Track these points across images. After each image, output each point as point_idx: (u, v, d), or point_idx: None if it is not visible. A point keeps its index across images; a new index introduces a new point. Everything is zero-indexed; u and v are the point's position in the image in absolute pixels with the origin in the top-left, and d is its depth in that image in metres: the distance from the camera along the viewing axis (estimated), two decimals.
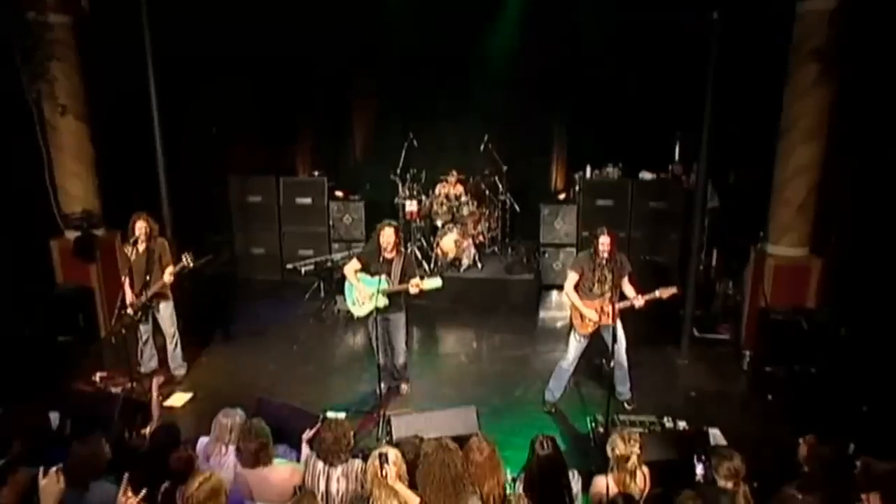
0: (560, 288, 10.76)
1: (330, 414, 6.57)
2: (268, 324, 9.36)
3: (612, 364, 6.39)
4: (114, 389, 7.18)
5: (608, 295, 6.56)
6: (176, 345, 7.54)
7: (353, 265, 6.91)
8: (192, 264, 7.13)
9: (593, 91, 11.38)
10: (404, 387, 7.31)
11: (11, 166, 8.24)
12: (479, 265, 10.61)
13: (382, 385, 6.81)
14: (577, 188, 11.39)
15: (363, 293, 6.76)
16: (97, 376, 7.58)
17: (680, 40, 10.26)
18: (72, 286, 8.64)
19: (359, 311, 6.90)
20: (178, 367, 7.64)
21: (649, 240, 10.60)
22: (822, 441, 4.78)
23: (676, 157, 11.90)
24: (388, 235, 6.64)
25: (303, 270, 9.50)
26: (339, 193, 11.49)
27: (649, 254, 10.62)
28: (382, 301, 6.67)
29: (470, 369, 7.95)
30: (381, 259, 6.65)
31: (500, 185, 11.22)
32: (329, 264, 10.01)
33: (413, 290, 6.54)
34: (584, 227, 10.75)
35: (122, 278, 7.27)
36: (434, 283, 6.56)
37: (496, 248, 11.27)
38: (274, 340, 8.79)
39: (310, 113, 12.34)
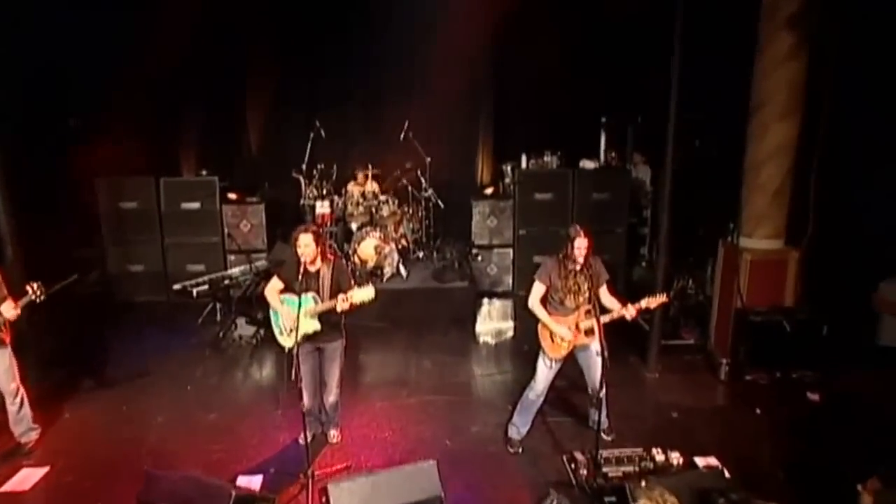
0: (498, 295, 9.64)
1: (242, 480, 5.11)
2: (153, 359, 7.55)
3: (598, 393, 5.21)
4: None
5: (584, 308, 5.37)
6: (21, 404, 5.67)
7: (274, 285, 5.52)
8: (41, 296, 5.42)
9: (519, 71, 10.30)
10: (334, 433, 5.84)
11: None
12: (405, 273, 9.22)
13: (308, 433, 5.39)
14: (506, 180, 10.27)
15: (289, 318, 5.31)
16: None
17: (616, 11, 9.44)
18: None
19: (288, 341, 5.42)
20: (25, 431, 5.77)
21: (593, 236, 9.53)
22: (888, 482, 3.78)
23: (603, 143, 11.06)
24: (305, 244, 5.18)
25: (194, 292, 7.76)
26: (232, 195, 9.77)
27: (594, 253, 9.56)
28: (312, 325, 5.28)
29: (409, 404, 6.54)
30: (303, 273, 5.16)
31: (422, 180, 9.87)
32: (226, 282, 8.29)
33: (342, 307, 5.13)
34: (521, 224, 9.61)
35: None
36: (365, 293, 5.15)
37: (422, 253, 9.90)
38: (162, 381, 7.04)
39: (194, 100, 10.44)
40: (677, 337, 7.95)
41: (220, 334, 8.22)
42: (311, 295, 5.23)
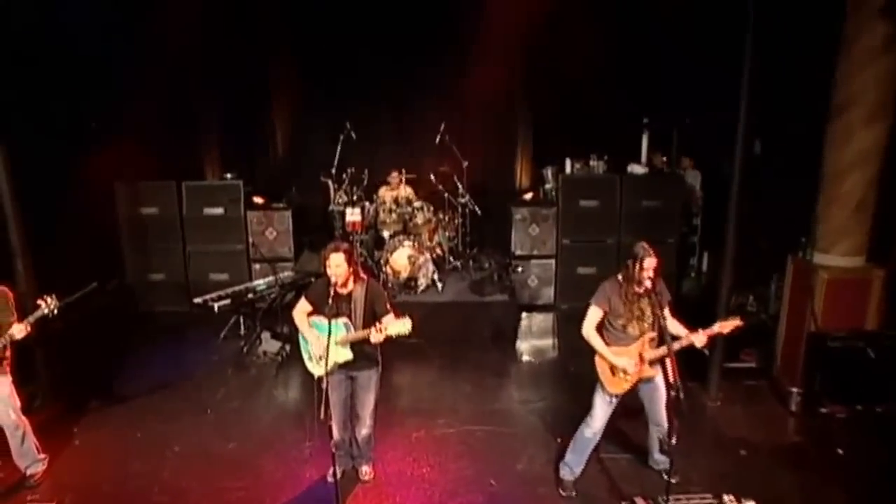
0: (539, 309, 8.98)
1: None
2: (171, 378, 7.05)
3: (664, 434, 4.56)
4: None
5: (648, 336, 4.72)
6: (23, 437, 5.18)
7: (302, 307, 4.98)
8: (55, 310, 4.96)
9: (558, 71, 9.64)
10: (367, 470, 5.26)
11: None
12: (440, 285, 8.61)
13: (338, 469, 4.79)
14: (547, 186, 9.62)
15: (319, 345, 4.75)
16: None
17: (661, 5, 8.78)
18: None
19: (318, 369, 4.87)
20: (31, 464, 5.29)
21: None
22: None
23: (645, 146, 10.36)
24: (336, 265, 4.60)
25: (215, 307, 7.23)
26: (258, 200, 9.24)
27: None
28: (344, 354, 4.73)
29: (448, 434, 5.92)
30: (334, 296, 4.59)
31: (459, 186, 9.25)
32: (250, 296, 7.75)
33: (376, 338, 4.56)
34: (564, 233, 8.95)
35: None
36: (401, 326, 4.58)
37: (458, 263, 9.28)
38: (180, 404, 6.53)
39: (218, 101, 9.94)
40: (737, 359, 7.22)
41: (244, 350, 7.71)
42: (342, 321, 4.67)
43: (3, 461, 5.30)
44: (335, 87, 9.75)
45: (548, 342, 8.28)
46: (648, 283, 4.58)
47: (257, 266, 9.00)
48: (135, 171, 8.92)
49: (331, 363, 4.58)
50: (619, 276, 4.78)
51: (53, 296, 5.01)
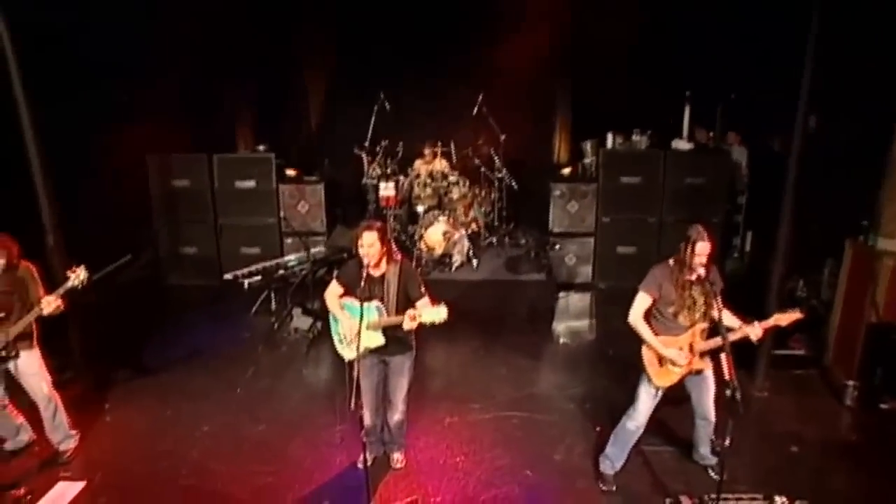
0: (577, 288, 8.68)
1: None
2: (201, 355, 6.96)
3: (723, 439, 4.26)
4: None
5: (699, 326, 4.43)
6: (55, 410, 5.14)
7: (334, 290, 4.77)
8: (84, 281, 4.85)
9: (599, 42, 9.22)
10: (398, 457, 5.09)
11: None
12: (475, 263, 8.37)
13: (369, 456, 4.72)
14: (586, 160, 9.25)
15: (349, 327, 4.57)
16: None
17: None
18: None
19: (349, 352, 4.70)
20: (63, 439, 5.26)
21: (684, 226, 8.43)
22: None
23: (686, 120, 9.88)
24: (369, 244, 4.38)
25: (245, 283, 7.10)
26: (290, 172, 9.06)
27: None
28: (376, 338, 4.53)
29: (483, 420, 5.72)
30: (365, 277, 4.37)
31: (496, 159, 8.95)
32: (281, 272, 7.60)
33: (409, 325, 4.34)
34: (605, 210, 8.61)
35: None
36: (436, 314, 4.34)
37: (494, 239, 9.01)
38: (210, 381, 6.43)
39: (250, 72, 9.72)
40: (784, 347, 6.85)
41: (275, 326, 7.59)
42: (374, 305, 4.47)
43: (38, 436, 5.28)
44: (369, 58, 9.46)
45: (584, 323, 8.01)
46: (701, 270, 4.28)
47: (289, 240, 8.84)
48: (168, 143, 8.81)
49: (362, 348, 4.39)
50: (671, 261, 4.49)
51: (83, 267, 4.89)
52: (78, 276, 4.83)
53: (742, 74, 8.89)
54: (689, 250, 4.29)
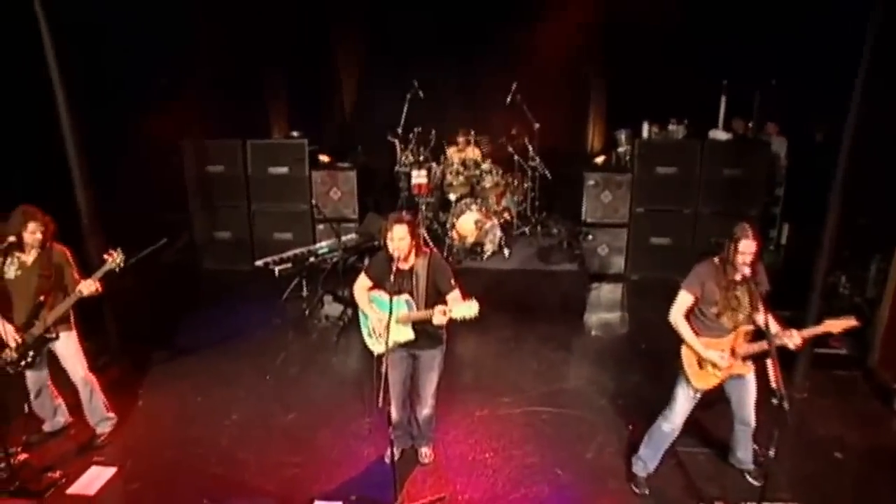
0: (609, 279, 8.54)
1: None
2: (233, 340, 7.03)
3: (768, 449, 4.11)
4: None
5: (743, 329, 4.27)
6: (91, 392, 5.22)
7: (363, 283, 4.71)
8: (121, 264, 4.89)
9: (634, 28, 8.99)
10: (426, 451, 5.05)
11: None
12: (507, 252, 8.26)
13: (396, 450, 4.72)
14: (620, 149, 9.06)
15: (378, 321, 4.53)
16: None
17: None
18: None
19: (378, 346, 4.64)
20: (99, 421, 5.33)
21: (721, 218, 8.28)
22: None
23: (723, 109, 9.61)
24: (399, 238, 4.31)
25: (276, 271, 7.12)
26: (323, 158, 9.05)
27: (721, 237, 8.29)
28: (405, 333, 4.49)
29: (513, 415, 5.65)
30: (395, 270, 4.30)
31: (529, 148, 8.80)
32: (312, 259, 7.59)
33: (439, 320, 4.27)
34: (639, 200, 8.43)
35: None
36: (467, 309, 4.25)
37: (526, 229, 8.89)
38: (241, 367, 6.48)
39: (284, 58, 9.69)
40: (825, 345, 6.63)
41: (306, 312, 7.60)
42: (404, 298, 4.41)
43: (76, 418, 5.37)
44: (403, 45, 9.36)
45: (616, 315, 7.88)
46: (746, 270, 4.12)
47: (321, 227, 8.84)
48: (204, 129, 8.86)
49: (391, 342, 4.34)
50: (716, 259, 4.33)
51: (119, 250, 4.91)
52: (115, 259, 4.87)
53: (781, 62, 8.62)
54: (733, 249, 4.13)
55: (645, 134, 8.65)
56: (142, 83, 8.37)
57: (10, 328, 4.85)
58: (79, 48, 6.21)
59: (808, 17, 7.89)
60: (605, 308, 7.97)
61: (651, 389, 5.80)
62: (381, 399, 4.00)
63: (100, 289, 4.88)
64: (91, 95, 6.68)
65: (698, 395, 4.44)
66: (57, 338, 4.99)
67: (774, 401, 3.84)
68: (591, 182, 8.53)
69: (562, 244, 8.54)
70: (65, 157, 5.87)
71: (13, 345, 4.85)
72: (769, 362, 3.93)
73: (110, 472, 4.98)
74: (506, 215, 8.67)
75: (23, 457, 5.06)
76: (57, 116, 5.76)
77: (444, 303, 4.37)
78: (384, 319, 4.36)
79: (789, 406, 3.88)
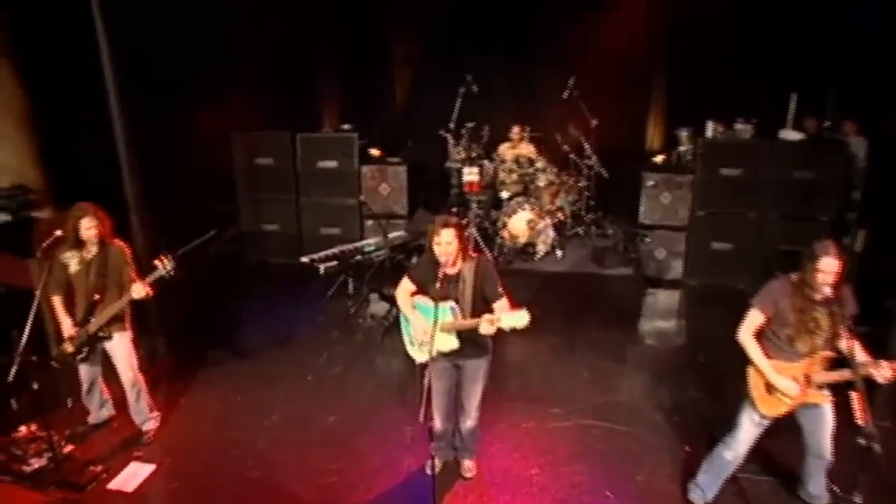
0: (666, 284, 8.15)
1: None
2: (277, 337, 6.95)
3: (850, 493, 3.73)
4: (32, 463, 4.85)
5: (820, 355, 3.90)
6: (138, 394, 5.19)
7: (405, 287, 4.48)
8: (171, 271, 4.80)
9: (699, 20, 8.54)
10: (469, 465, 4.82)
11: None
12: (559, 253, 7.97)
13: (438, 461, 4.58)
14: (681, 148, 8.64)
15: (422, 329, 4.32)
16: (21, 430, 5.18)
17: None
18: (2, 289, 6.24)
19: (420, 354, 4.47)
20: (144, 420, 5.31)
21: (789, 223, 7.80)
22: None
23: (793, 108, 9.03)
24: (447, 242, 4.08)
25: (321, 268, 7.00)
26: (374, 152, 8.89)
27: (788, 243, 7.85)
28: (449, 342, 4.25)
29: (562, 429, 5.37)
30: (440, 276, 4.08)
31: (586, 146, 8.46)
32: (358, 257, 7.45)
33: (486, 330, 4.01)
34: (700, 203, 8.01)
35: (53, 299, 4.94)
36: (517, 319, 3.98)
37: (580, 230, 8.57)
38: (283, 366, 6.38)
39: (338, 51, 9.57)
40: None
41: (352, 310, 7.46)
42: (449, 305, 4.17)
43: (119, 412, 5.35)
44: (457, 38, 9.13)
45: (673, 324, 7.49)
46: (827, 290, 3.74)
47: (369, 222, 8.70)
48: (255, 120, 8.83)
49: (434, 350, 4.12)
50: (793, 277, 3.95)
51: (170, 256, 4.82)
52: (165, 265, 4.77)
53: (859, 55, 8.04)
54: (811, 267, 3.76)
55: (709, 133, 8.21)
56: (197, 75, 8.35)
57: (68, 323, 4.88)
58: (130, 39, 6.18)
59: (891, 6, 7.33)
60: (660, 315, 7.58)
61: (710, 407, 5.46)
62: (422, 414, 3.79)
63: (150, 293, 4.81)
64: (146, 87, 6.67)
65: (766, 423, 4.08)
66: (110, 338, 4.99)
67: (861, 441, 3.45)
68: (650, 182, 8.14)
69: (617, 247, 8.22)
70: (114, 151, 5.84)
71: (69, 339, 4.87)
72: (853, 394, 3.54)
73: (149, 469, 4.93)
74: (559, 215, 8.39)
75: (67, 448, 5.06)
76: (108, 109, 5.72)
77: (491, 311, 4.14)
78: (427, 327, 4.15)
79: (881, 449, 3.44)
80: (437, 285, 4.08)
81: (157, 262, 4.81)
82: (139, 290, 4.74)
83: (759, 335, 4.02)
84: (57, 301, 4.92)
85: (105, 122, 5.80)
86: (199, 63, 8.18)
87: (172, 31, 7.65)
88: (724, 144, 8.05)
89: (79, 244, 4.82)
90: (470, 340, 4.30)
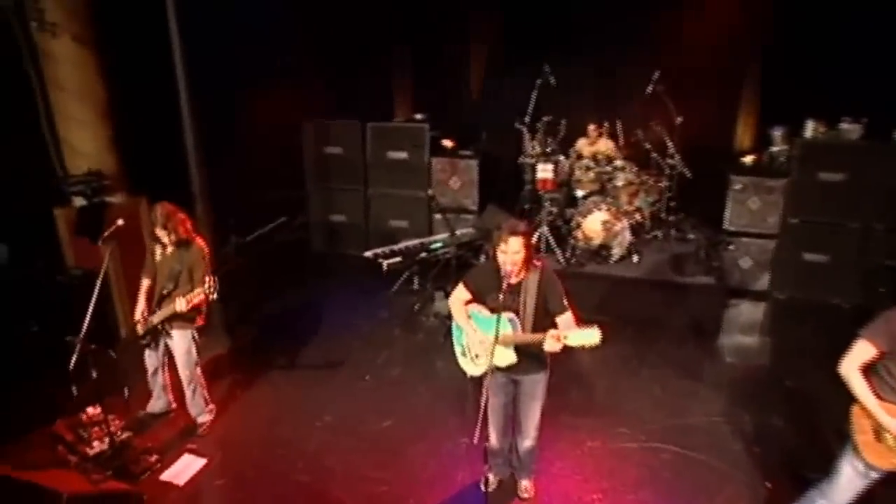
0: (751, 296, 7.56)
1: None
2: (337, 331, 6.85)
3: None
4: (94, 446, 4.86)
5: None
6: (194, 390, 5.16)
7: (460, 295, 4.20)
8: (214, 293, 4.65)
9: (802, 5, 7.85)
10: (526, 485, 4.54)
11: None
12: (635, 258, 7.53)
13: (493, 477, 4.37)
14: (773, 149, 7.99)
15: (478, 341, 4.04)
16: (88, 412, 5.24)
17: None
18: (79, 272, 6.36)
19: (472, 367, 4.21)
20: (199, 413, 5.29)
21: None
22: None
23: None
24: (514, 251, 3.79)
25: (384, 265, 6.83)
26: (447, 143, 8.65)
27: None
28: (506, 356, 3.94)
29: (629, 451, 5.00)
30: (503, 286, 3.80)
31: (669, 144, 7.95)
32: (423, 254, 7.23)
33: (552, 347, 3.70)
34: (794, 210, 7.39)
35: (142, 282, 5.12)
36: (587, 337, 3.65)
37: (659, 234, 8.08)
38: (341, 362, 6.26)
39: (413, 37, 9.36)
40: None
41: (416, 308, 7.27)
42: (508, 317, 3.87)
43: (180, 403, 5.33)
44: (537, 25, 8.72)
45: (757, 340, 6.93)
46: None
47: (438, 216, 8.46)
48: (327, 108, 8.75)
49: (489, 365, 3.84)
50: None
51: (216, 279, 4.66)
52: (209, 286, 4.63)
53: None
54: None
55: (808, 132, 7.51)
56: (270, 60, 8.31)
57: (141, 307, 5.01)
58: (205, 27, 6.15)
59: None
60: (743, 330, 7.02)
61: (797, 441, 4.99)
62: (477, 435, 3.53)
63: (185, 308, 4.69)
64: (217, 73, 6.66)
65: (874, 474, 3.54)
66: (169, 333, 5.00)
67: None
68: (738, 186, 7.57)
69: (698, 253, 7.67)
70: (181, 138, 5.81)
71: (137, 323, 4.99)
72: None
73: (201, 462, 4.91)
74: (637, 217, 7.91)
75: (125, 435, 5.08)
76: (177, 98, 5.69)
77: (553, 324, 3.83)
78: (484, 339, 3.90)
79: None
80: (500, 296, 3.80)
81: (207, 278, 4.67)
82: (181, 304, 4.66)
83: (867, 370, 3.51)
84: (143, 285, 5.09)
85: (175, 110, 5.75)
86: (272, 49, 8.13)
87: (245, 16, 7.61)
88: (826, 146, 7.36)
89: (155, 240, 4.93)
90: (528, 354, 4.01)
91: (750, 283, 7.77)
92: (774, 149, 8.03)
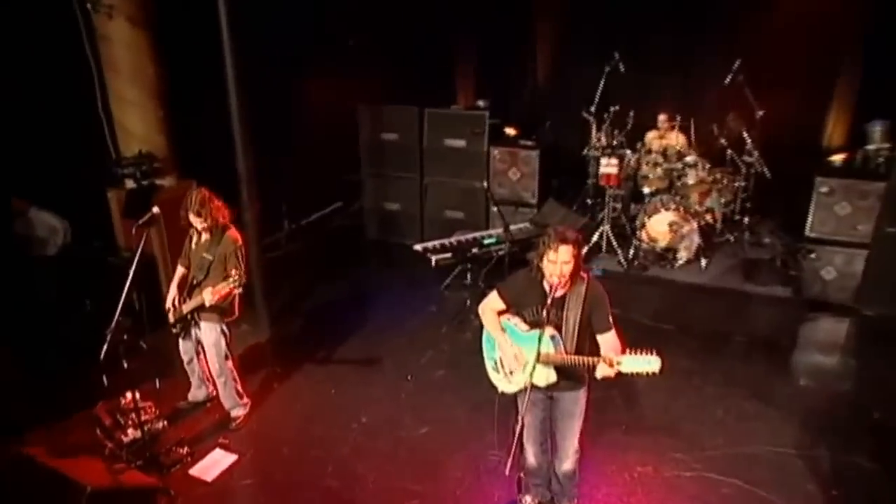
0: (833, 311, 6.92)
1: None
2: (382, 325, 6.65)
3: None
4: (129, 434, 4.81)
5: None
6: (225, 382, 5.04)
7: (493, 305, 3.88)
8: (240, 286, 4.57)
9: None
10: None
11: (58, 89, 5.97)
12: (703, 263, 7.02)
13: (532, 499, 4.11)
14: (870, 147, 7.27)
15: (512, 355, 3.73)
16: (127, 397, 5.19)
17: None
18: (129, 254, 6.33)
19: (506, 384, 3.90)
20: (233, 406, 5.17)
21: None
22: None
23: None
24: (563, 261, 3.45)
25: (433, 260, 6.57)
26: (510, 131, 8.32)
27: None
28: (545, 375, 3.61)
29: (683, 480, 4.56)
30: (545, 299, 3.46)
31: (747, 140, 7.35)
32: (475, 250, 6.92)
33: (603, 373, 3.40)
34: (890, 218, 6.66)
35: (177, 269, 5.06)
36: (645, 365, 3.31)
37: (731, 237, 7.51)
38: (383, 359, 6.04)
39: (476, 20, 8.98)
40: None
41: (468, 304, 6.98)
42: (550, 334, 3.52)
43: (216, 396, 5.25)
44: (608, 9, 8.21)
45: (837, 361, 6.30)
46: None
47: (494, 209, 8.11)
48: (386, 93, 8.52)
49: (525, 382, 3.51)
50: None
51: (244, 272, 4.58)
52: (235, 278, 4.49)
53: None
54: None
55: None
56: (327, 44, 8.13)
57: (172, 295, 4.93)
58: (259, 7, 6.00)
59: None
60: (822, 349, 6.39)
61: (888, 486, 4.42)
62: (510, 463, 3.23)
63: (211, 301, 4.53)
64: (274, 56, 6.51)
65: None
66: (198, 324, 4.89)
67: None
68: (825, 188, 6.89)
69: (774, 260, 7.09)
70: (229, 123, 5.68)
71: (168, 311, 4.94)
72: None
73: (231, 459, 4.81)
74: (708, 217, 7.39)
75: (160, 424, 5.02)
76: (225, 81, 5.54)
77: (595, 343, 3.53)
78: (521, 355, 3.59)
79: None
80: (543, 310, 3.47)
81: (231, 270, 4.56)
82: (208, 297, 4.51)
83: None
84: (178, 272, 5.01)
85: (225, 94, 5.62)
86: (330, 32, 7.95)
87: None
88: None
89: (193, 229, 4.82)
90: (567, 374, 3.66)
91: (832, 297, 7.10)
92: (871, 147, 7.30)
